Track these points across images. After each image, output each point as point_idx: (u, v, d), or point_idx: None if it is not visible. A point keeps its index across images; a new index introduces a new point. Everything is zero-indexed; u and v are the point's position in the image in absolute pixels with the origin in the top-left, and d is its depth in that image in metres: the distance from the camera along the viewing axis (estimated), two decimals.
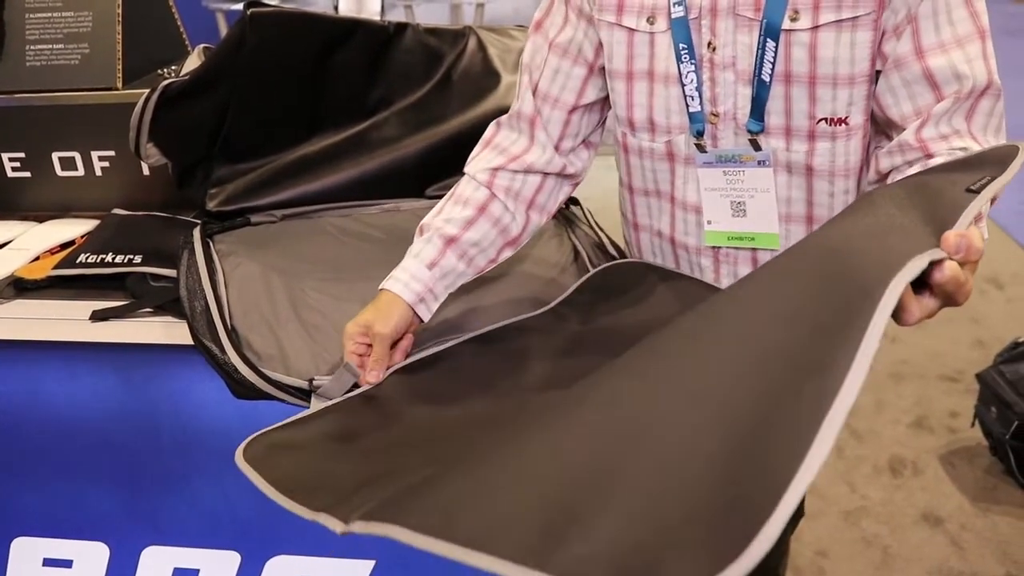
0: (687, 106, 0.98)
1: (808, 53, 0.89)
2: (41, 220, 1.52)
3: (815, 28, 0.88)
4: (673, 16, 0.95)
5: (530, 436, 0.65)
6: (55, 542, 1.28)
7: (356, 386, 0.99)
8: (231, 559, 1.23)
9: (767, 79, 0.92)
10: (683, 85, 0.97)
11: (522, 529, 0.51)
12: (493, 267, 1.09)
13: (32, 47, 1.52)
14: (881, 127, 0.95)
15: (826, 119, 0.93)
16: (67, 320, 1.20)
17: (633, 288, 1.08)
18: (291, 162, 1.40)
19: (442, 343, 1.04)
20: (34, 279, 1.30)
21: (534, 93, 1.06)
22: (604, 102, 1.08)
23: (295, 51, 1.36)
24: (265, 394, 1.02)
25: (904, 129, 0.90)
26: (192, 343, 1.07)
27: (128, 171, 1.53)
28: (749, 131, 0.96)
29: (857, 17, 0.87)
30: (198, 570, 1.24)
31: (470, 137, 1.44)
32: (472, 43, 1.50)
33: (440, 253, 1.02)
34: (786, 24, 0.89)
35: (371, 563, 1.15)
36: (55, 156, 1.54)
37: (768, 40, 0.90)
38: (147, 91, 1.30)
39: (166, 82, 1.30)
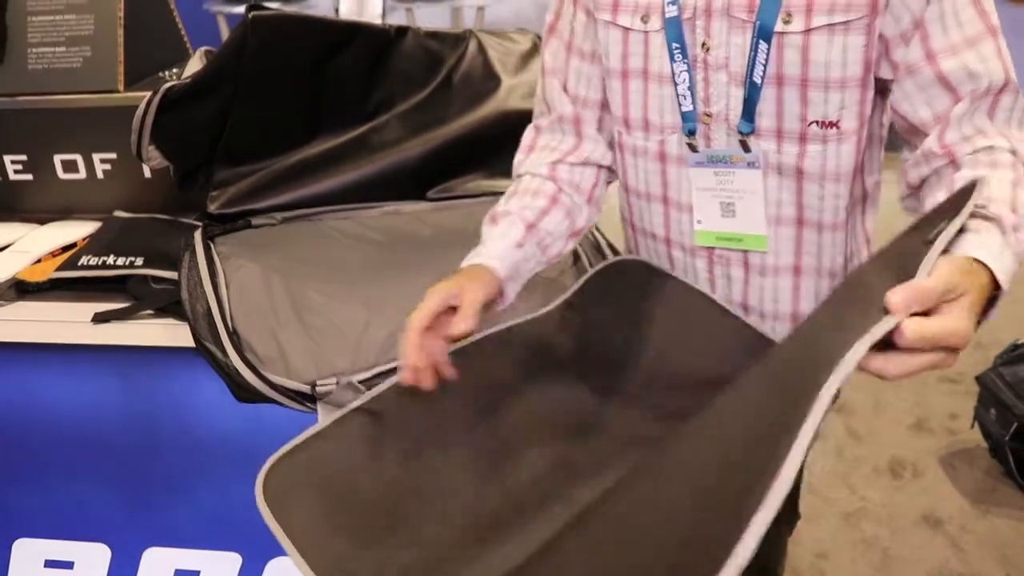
0: (679, 105, 0.98)
1: (800, 56, 0.90)
2: (43, 222, 1.53)
3: (807, 31, 0.89)
4: (667, 15, 0.95)
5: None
6: (56, 543, 1.29)
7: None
8: (232, 560, 1.23)
9: (759, 81, 0.92)
10: (676, 84, 0.97)
11: None
12: (554, 262, 1.07)
13: (34, 50, 1.52)
14: (907, 136, 0.95)
15: (817, 122, 0.93)
16: (69, 322, 1.21)
17: (628, 296, 1.08)
18: (292, 165, 1.41)
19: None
20: (36, 281, 1.30)
21: (567, 94, 1.08)
22: None
23: (296, 54, 1.36)
24: (267, 397, 1.02)
25: (927, 136, 0.90)
26: (193, 345, 1.07)
27: (129, 174, 1.53)
28: (740, 132, 0.96)
29: (849, 21, 0.87)
30: (199, 571, 1.25)
31: (470, 140, 1.45)
32: (472, 46, 1.50)
33: (524, 236, 1.00)
34: (779, 27, 0.89)
35: None
36: (57, 158, 1.54)
37: (761, 42, 0.91)
38: (149, 94, 1.31)
39: (168, 85, 1.30)
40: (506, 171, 1.46)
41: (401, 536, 0.84)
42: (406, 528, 0.85)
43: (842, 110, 0.92)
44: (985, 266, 0.69)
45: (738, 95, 0.95)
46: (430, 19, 4.64)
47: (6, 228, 1.49)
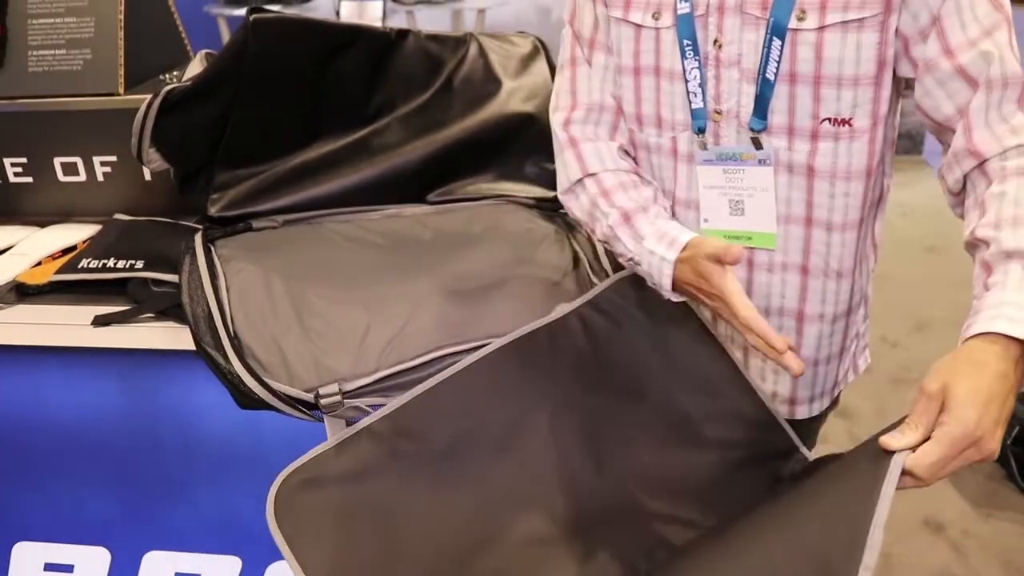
0: (690, 103, 0.98)
1: (814, 53, 0.90)
2: (43, 225, 1.53)
3: (821, 28, 0.89)
4: (679, 12, 0.95)
5: None
6: (56, 547, 1.29)
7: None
8: (232, 564, 1.23)
9: (771, 78, 0.92)
10: (687, 81, 0.97)
11: None
12: None
13: (35, 53, 1.52)
14: (937, 136, 0.95)
15: (830, 119, 0.93)
16: (69, 325, 1.21)
17: (632, 321, 1.08)
18: (293, 167, 1.40)
19: (456, 352, 1.06)
20: (36, 284, 1.30)
21: (597, 84, 1.07)
22: None
23: (297, 57, 1.36)
24: (269, 405, 1.02)
25: (954, 132, 0.90)
26: (194, 348, 1.07)
27: (130, 176, 1.53)
28: (751, 129, 0.96)
29: (863, 19, 0.88)
30: (199, 575, 1.25)
31: (471, 143, 1.45)
32: (473, 49, 1.50)
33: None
34: (793, 23, 0.89)
35: None
36: (57, 161, 1.54)
37: (774, 39, 0.91)
38: (149, 96, 1.31)
39: (168, 87, 1.30)
40: (506, 174, 1.47)
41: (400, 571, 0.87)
42: (405, 563, 0.88)
43: (855, 108, 0.92)
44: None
45: (749, 92, 0.95)
46: (431, 22, 4.64)
47: (6, 231, 1.49)
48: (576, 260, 1.27)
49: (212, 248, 1.28)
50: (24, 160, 1.55)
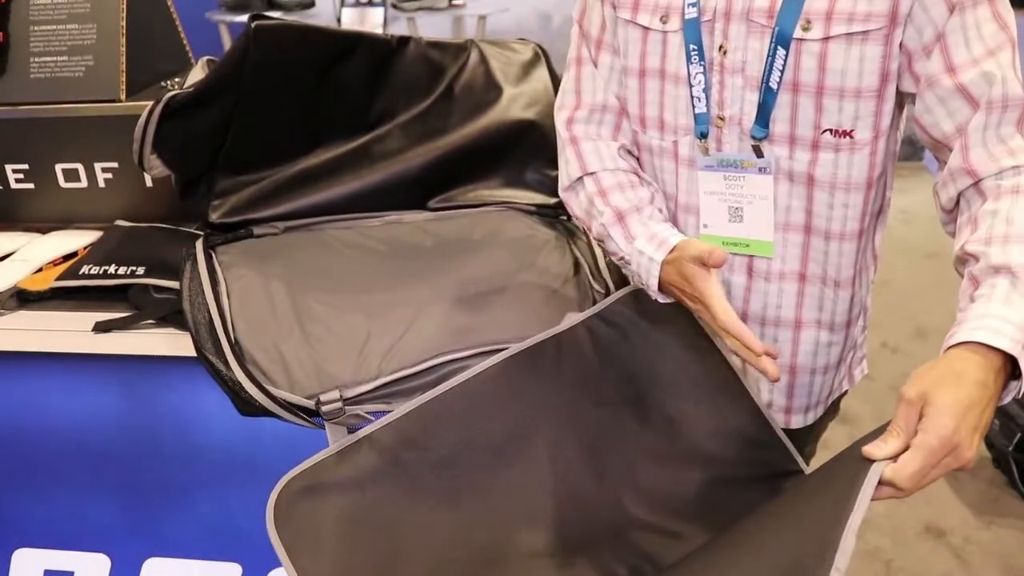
0: (693, 107, 0.99)
1: (817, 63, 0.90)
2: (44, 231, 1.53)
3: (826, 39, 0.89)
4: (686, 17, 0.96)
5: None
6: (57, 553, 1.28)
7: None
8: (232, 571, 1.23)
9: (774, 86, 0.92)
10: (691, 86, 0.98)
11: None
12: None
13: (36, 59, 1.53)
14: (934, 153, 0.95)
15: (831, 130, 0.93)
16: (70, 331, 1.21)
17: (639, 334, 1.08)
18: (294, 174, 1.41)
19: (457, 359, 1.06)
20: (37, 290, 1.30)
21: (602, 84, 1.07)
22: None
23: (298, 64, 1.37)
24: (270, 412, 1.02)
25: (951, 150, 0.89)
26: (194, 355, 1.07)
27: (131, 183, 1.54)
28: (753, 137, 0.96)
29: (868, 31, 0.88)
30: None
31: (472, 150, 1.45)
32: (474, 56, 1.51)
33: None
34: (798, 33, 0.90)
35: None
36: (58, 168, 1.55)
37: (779, 48, 0.91)
38: (151, 103, 1.31)
39: (170, 94, 1.31)
40: (507, 180, 1.47)
41: None
42: (403, 573, 0.88)
43: (856, 120, 0.92)
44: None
45: (752, 99, 0.95)
46: (432, 29, 4.65)
47: (7, 237, 1.50)
48: (577, 267, 1.27)
49: (213, 254, 1.28)
50: (25, 166, 1.55)
